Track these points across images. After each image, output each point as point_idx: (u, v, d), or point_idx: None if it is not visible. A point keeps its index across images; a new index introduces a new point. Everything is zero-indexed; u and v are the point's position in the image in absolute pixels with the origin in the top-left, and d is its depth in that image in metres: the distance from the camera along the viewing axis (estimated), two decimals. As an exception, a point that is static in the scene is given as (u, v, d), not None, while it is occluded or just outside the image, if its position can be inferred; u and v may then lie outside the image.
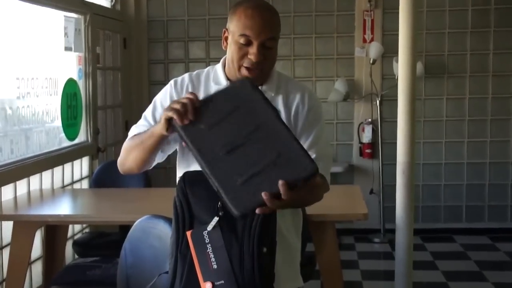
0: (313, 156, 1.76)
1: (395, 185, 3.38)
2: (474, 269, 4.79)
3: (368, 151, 5.64)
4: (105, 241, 3.87)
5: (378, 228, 5.59)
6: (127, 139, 1.89)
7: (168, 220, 1.91)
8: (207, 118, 1.56)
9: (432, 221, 5.72)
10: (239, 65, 1.82)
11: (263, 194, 1.44)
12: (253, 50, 1.78)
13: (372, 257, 5.21)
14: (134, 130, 1.92)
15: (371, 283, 4.54)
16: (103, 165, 4.21)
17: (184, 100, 1.59)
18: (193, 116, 1.56)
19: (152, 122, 1.89)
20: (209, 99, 1.62)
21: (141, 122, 1.94)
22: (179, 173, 1.83)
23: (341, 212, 3.15)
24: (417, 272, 3.68)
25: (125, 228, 2.74)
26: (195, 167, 1.77)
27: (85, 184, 4.65)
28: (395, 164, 3.38)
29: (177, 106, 1.58)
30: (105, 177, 4.06)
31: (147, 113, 1.93)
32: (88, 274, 3.11)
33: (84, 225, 4.52)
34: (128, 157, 1.84)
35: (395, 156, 3.39)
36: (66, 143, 4.37)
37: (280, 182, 1.45)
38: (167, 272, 1.66)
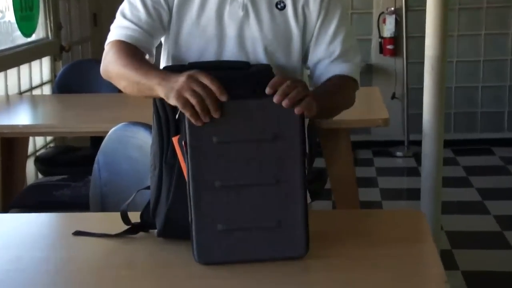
0: (336, 53, 1.85)
1: (422, 88, 3.36)
2: (515, 186, 4.88)
3: (389, 47, 5.63)
4: (74, 156, 3.91)
5: (401, 140, 5.64)
6: (116, 51, 1.74)
7: (149, 127, 1.91)
8: (222, 127, 1.46)
9: (466, 131, 5.77)
10: None
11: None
12: None
13: (394, 174, 5.29)
14: (118, 32, 1.78)
15: (392, 203, 4.62)
16: (68, 67, 4.19)
17: (207, 88, 1.43)
18: (215, 115, 1.44)
19: (144, 14, 1.77)
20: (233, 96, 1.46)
21: (129, 13, 1.78)
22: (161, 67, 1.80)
23: (356, 117, 3.05)
24: (446, 189, 3.71)
25: (97, 141, 2.74)
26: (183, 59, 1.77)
27: (46, 90, 4.64)
28: (422, 63, 3.35)
29: (198, 95, 1.42)
30: (71, 81, 4.05)
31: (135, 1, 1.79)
32: (55, 194, 3.12)
33: (48, 138, 4.54)
34: (119, 82, 1.74)
35: (422, 53, 3.34)
36: (21, 40, 4.31)
37: None
38: (148, 188, 1.67)
